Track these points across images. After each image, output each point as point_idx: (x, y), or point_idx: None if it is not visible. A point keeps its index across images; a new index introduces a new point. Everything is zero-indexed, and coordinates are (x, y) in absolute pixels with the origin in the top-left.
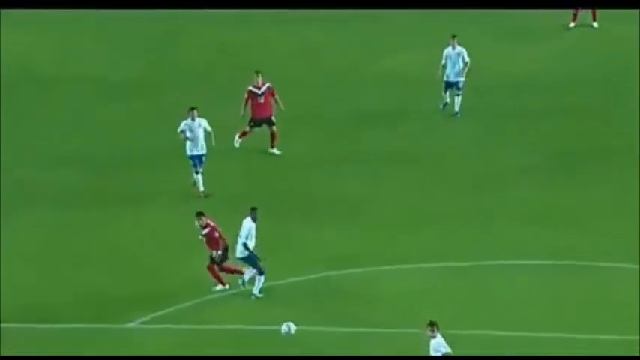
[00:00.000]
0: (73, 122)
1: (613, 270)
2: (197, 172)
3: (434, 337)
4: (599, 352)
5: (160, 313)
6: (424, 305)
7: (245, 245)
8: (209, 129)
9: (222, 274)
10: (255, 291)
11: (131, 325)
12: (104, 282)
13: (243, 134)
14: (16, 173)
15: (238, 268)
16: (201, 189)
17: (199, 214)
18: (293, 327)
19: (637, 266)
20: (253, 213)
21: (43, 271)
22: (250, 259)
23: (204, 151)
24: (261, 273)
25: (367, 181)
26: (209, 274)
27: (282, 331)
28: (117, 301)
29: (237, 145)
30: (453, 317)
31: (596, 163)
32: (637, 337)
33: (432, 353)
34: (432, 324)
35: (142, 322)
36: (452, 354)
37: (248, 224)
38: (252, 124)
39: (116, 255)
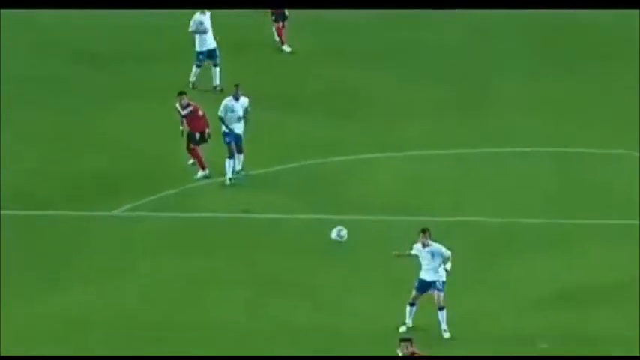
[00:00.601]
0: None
1: (606, 156)
2: (198, 66)
3: (428, 244)
4: (590, 237)
5: (144, 201)
6: (415, 193)
7: (221, 119)
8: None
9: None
10: (228, 174)
11: (116, 212)
12: (91, 171)
13: (278, 30)
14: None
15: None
16: (192, 79)
17: (181, 93)
18: (344, 232)
19: (631, 152)
20: (235, 89)
21: (32, 160)
22: (224, 138)
23: (214, 45)
24: (229, 157)
25: (359, 73)
26: (190, 156)
27: (333, 236)
28: (103, 190)
29: (288, 49)
30: (444, 205)
31: (588, 53)
32: (629, 221)
33: (434, 259)
34: (424, 231)
35: (128, 210)
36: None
37: (225, 100)
38: (273, 18)
39: (105, 145)
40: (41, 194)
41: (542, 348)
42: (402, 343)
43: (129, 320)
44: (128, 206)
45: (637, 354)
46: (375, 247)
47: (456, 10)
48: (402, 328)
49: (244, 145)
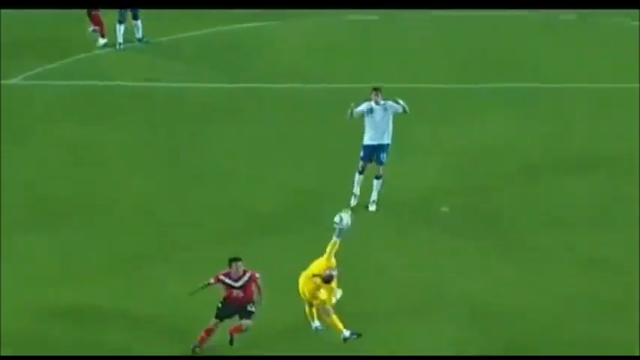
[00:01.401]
0: None
1: (509, 19)
2: None
3: (379, 103)
4: (495, 102)
5: (43, 68)
6: (320, 60)
7: None
8: None
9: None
10: (119, 39)
11: (15, 80)
12: None
13: None
14: None
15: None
16: None
17: None
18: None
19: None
20: None
21: None
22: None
23: None
24: (120, 22)
25: None
26: (91, 24)
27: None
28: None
29: None
30: (351, 71)
31: None
32: (530, 84)
33: (385, 116)
34: (376, 89)
35: (26, 78)
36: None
37: None
38: None
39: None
40: None
41: (444, 211)
42: (234, 263)
43: (28, 190)
44: (27, 74)
45: (539, 222)
46: (283, 116)
47: None
48: (353, 201)
49: (140, 12)
